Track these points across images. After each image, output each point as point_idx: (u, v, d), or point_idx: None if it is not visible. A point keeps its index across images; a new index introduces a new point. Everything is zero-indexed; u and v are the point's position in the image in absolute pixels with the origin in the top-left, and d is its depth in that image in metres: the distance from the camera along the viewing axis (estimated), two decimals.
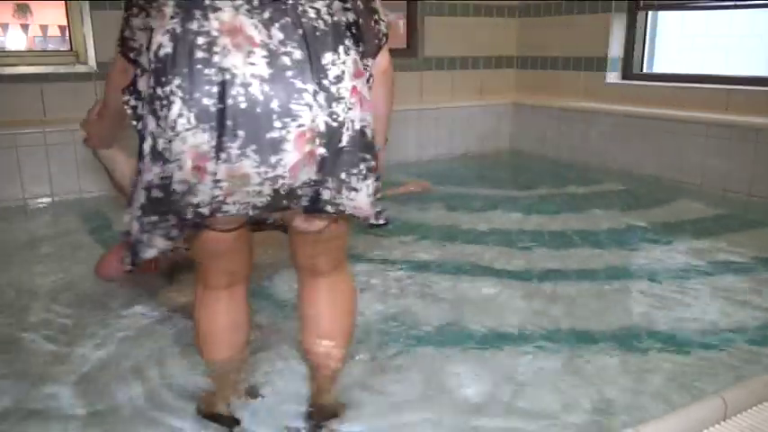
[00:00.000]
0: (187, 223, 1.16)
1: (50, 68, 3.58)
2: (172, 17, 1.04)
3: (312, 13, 1.09)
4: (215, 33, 1.03)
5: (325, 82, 1.09)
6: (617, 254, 2.58)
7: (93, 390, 1.60)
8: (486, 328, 1.92)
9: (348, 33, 1.14)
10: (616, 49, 4.32)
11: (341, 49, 1.12)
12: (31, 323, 1.97)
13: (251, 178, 1.08)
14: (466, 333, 1.90)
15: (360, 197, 1.19)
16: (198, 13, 1.04)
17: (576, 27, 4.51)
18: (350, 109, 1.12)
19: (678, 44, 4.39)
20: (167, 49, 1.03)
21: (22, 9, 3.91)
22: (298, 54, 1.07)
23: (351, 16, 1.16)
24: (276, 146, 1.06)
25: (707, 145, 3.53)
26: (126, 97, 1.17)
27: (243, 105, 1.03)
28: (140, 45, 1.14)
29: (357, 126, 1.14)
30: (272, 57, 1.05)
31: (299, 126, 1.07)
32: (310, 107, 1.07)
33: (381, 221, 1.27)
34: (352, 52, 1.14)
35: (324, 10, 1.11)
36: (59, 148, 3.36)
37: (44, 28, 4.01)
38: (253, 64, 1.04)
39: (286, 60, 1.06)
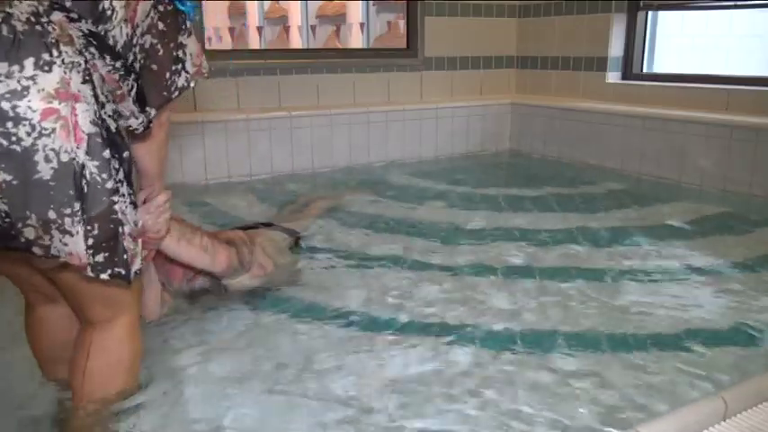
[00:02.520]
0: None
1: None
2: None
3: None
4: None
5: None
6: (616, 253, 2.58)
7: None
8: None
9: (64, 43, 1.00)
10: (616, 49, 4.32)
11: (29, 61, 0.98)
12: None
13: None
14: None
15: (75, 243, 1.06)
16: None
17: (576, 27, 4.51)
18: (43, 135, 0.99)
19: (678, 44, 4.39)
20: None
21: None
22: None
23: (86, 27, 1.03)
24: None
25: (707, 145, 3.53)
26: None
27: None
28: None
29: (65, 159, 1.01)
30: None
31: None
32: None
33: (101, 275, 1.10)
34: (59, 69, 0.99)
35: (21, 16, 0.98)
36: None
37: None
38: None
39: None
